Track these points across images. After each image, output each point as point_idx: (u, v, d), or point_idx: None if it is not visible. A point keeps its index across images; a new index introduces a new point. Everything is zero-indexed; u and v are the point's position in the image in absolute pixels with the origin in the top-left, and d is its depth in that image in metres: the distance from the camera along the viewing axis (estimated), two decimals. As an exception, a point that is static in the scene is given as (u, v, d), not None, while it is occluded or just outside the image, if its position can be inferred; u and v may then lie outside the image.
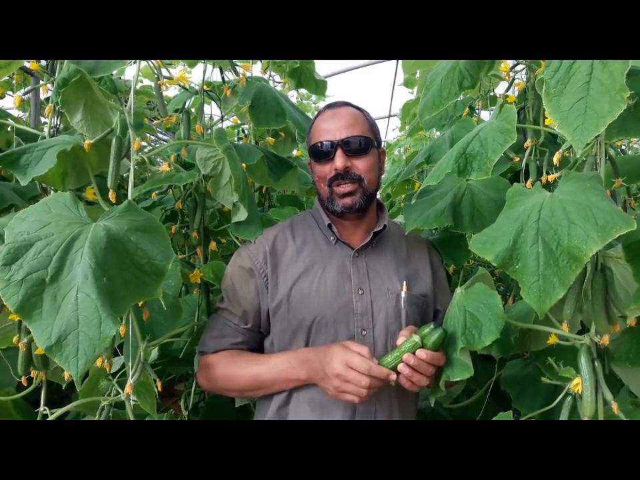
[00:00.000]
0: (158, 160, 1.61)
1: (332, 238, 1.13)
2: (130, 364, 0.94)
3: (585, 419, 0.77)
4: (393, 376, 0.90)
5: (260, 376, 1.05)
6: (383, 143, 1.23)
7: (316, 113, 1.21)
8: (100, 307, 0.73)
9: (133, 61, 0.98)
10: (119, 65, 0.93)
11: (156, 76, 1.12)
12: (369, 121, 1.15)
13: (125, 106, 0.98)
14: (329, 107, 1.16)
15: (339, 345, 0.96)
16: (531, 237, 0.74)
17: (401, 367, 0.91)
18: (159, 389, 0.96)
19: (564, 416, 0.81)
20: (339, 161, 1.07)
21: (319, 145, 1.10)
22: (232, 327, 1.12)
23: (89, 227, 0.81)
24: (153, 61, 1.12)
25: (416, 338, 0.90)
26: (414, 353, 0.90)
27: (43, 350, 0.71)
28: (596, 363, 0.80)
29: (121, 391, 0.93)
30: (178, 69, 1.24)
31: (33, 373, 0.98)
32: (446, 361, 0.89)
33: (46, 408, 0.94)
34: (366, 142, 1.10)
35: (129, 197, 0.94)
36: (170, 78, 1.16)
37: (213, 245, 1.38)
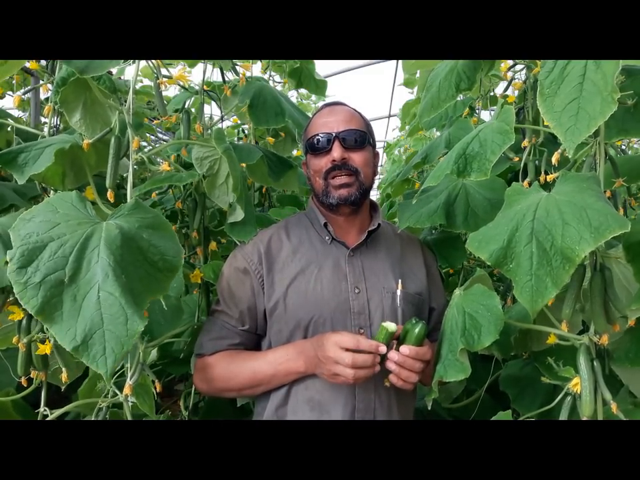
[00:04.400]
0: (158, 160, 1.61)
1: (327, 237, 1.14)
2: (129, 365, 0.93)
3: (584, 418, 0.77)
4: (383, 348, 0.91)
5: (259, 371, 1.04)
6: (383, 143, 1.25)
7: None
8: (125, 304, 0.73)
9: (131, 60, 0.98)
10: (112, 65, 0.93)
11: (155, 75, 1.12)
12: (365, 120, 1.19)
13: (124, 105, 0.98)
14: (326, 105, 1.20)
15: (332, 331, 0.98)
16: (525, 237, 0.74)
17: (387, 364, 0.93)
18: (158, 389, 0.96)
19: (563, 416, 0.81)
20: (337, 152, 1.08)
21: (317, 137, 1.12)
22: (229, 329, 1.12)
23: (101, 225, 0.81)
24: (152, 60, 1.12)
25: (387, 325, 0.91)
26: (398, 350, 0.92)
27: (70, 351, 0.71)
28: (595, 363, 0.80)
29: (118, 392, 0.93)
30: (178, 68, 1.24)
31: (33, 374, 0.98)
32: (440, 360, 0.90)
33: (46, 408, 0.94)
34: (362, 136, 1.12)
35: (128, 197, 0.94)
36: (169, 77, 1.16)
37: (213, 245, 1.38)
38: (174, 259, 0.83)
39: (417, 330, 0.92)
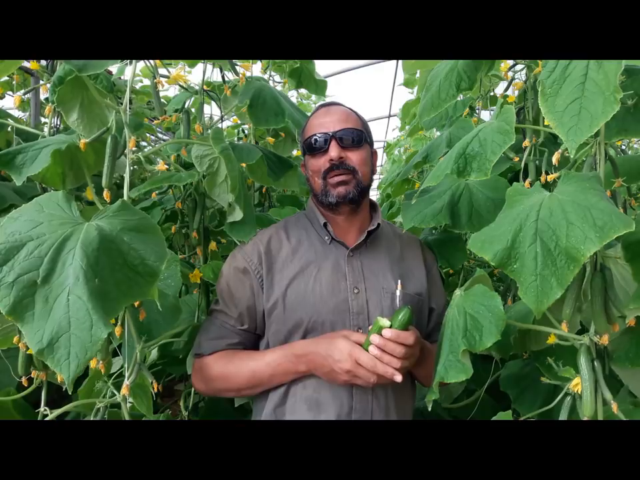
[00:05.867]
0: (158, 160, 1.60)
1: (326, 238, 1.14)
2: (126, 365, 0.93)
3: (585, 419, 0.77)
4: (398, 377, 0.91)
5: (258, 372, 1.04)
6: (383, 143, 1.25)
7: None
8: (91, 309, 0.71)
9: (128, 60, 0.98)
10: (109, 64, 0.92)
11: (153, 75, 1.12)
12: (361, 119, 1.19)
13: (122, 105, 0.98)
14: (322, 105, 1.20)
15: (340, 338, 0.97)
16: (529, 237, 0.74)
17: (370, 348, 0.93)
18: (156, 390, 0.95)
19: (563, 416, 0.81)
20: (334, 151, 1.09)
21: (314, 138, 1.12)
22: (228, 329, 1.12)
23: (82, 226, 0.79)
24: (150, 60, 1.12)
25: (379, 319, 0.93)
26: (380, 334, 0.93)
27: (34, 353, 0.70)
28: (595, 363, 0.79)
29: (116, 392, 0.92)
30: (177, 68, 1.24)
31: (33, 374, 0.98)
32: (441, 361, 0.90)
33: (46, 408, 0.94)
34: (359, 135, 1.13)
35: (125, 197, 0.93)
36: (167, 77, 1.16)
37: (212, 245, 1.38)
38: (154, 264, 0.80)
39: (400, 315, 0.92)
